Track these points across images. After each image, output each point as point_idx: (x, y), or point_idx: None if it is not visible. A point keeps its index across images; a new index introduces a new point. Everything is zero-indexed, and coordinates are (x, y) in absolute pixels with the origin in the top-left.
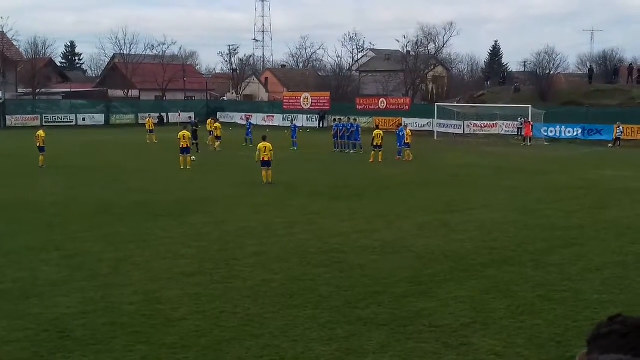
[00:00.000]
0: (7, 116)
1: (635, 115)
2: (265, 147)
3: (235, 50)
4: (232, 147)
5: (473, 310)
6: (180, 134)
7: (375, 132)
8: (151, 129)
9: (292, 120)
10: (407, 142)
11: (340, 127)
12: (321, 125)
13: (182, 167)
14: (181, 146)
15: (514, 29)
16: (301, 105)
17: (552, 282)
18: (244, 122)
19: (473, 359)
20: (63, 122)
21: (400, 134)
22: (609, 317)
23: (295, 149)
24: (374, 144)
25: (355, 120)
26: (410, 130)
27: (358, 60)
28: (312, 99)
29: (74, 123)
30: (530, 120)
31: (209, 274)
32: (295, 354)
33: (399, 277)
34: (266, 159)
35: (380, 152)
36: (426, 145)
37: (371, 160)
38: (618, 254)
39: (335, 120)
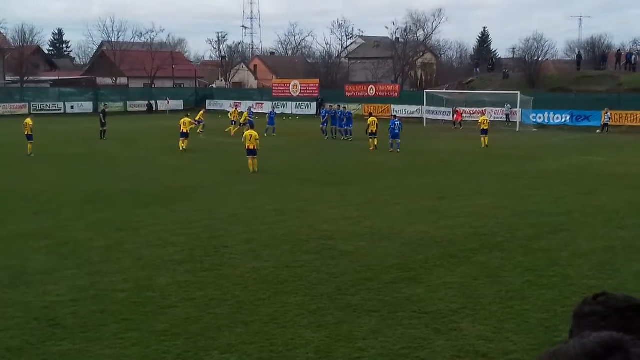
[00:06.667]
0: None
1: (623, 102)
2: (251, 136)
3: (224, 37)
4: (221, 135)
5: (462, 295)
6: (182, 120)
7: (370, 119)
8: (185, 131)
9: (273, 107)
10: (485, 128)
11: (332, 114)
12: (318, 113)
13: (180, 149)
14: (181, 130)
15: (502, 16)
16: (290, 93)
17: (541, 268)
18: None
19: (462, 344)
20: (51, 110)
21: (392, 126)
22: (593, 295)
23: (274, 134)
24: (369, 131)
25: (345, 108)
26: (486, 119)
27: (347, 47)
28: (301, 86)
29: (62, 111)
30: (459, 108)
31: (199, 262)
32: (285, 341)
33: (388, 263)
34: (252, 147)
35: (376, 140)
36: (415, 132)
37: (371, 148)
38: (606, 239)
39: (324, 106)
